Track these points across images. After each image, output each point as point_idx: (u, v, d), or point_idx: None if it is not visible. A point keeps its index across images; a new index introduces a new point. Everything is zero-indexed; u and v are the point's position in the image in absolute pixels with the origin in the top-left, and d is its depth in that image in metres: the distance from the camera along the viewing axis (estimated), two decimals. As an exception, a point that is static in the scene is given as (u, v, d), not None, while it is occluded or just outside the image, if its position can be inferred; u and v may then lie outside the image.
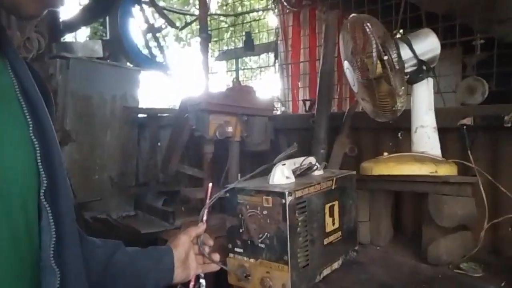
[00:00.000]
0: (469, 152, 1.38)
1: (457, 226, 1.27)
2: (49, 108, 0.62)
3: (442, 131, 1.45)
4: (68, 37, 4.08)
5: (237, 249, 1.09)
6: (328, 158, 1.75)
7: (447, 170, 1.32)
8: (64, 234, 0.58)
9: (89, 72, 2.52)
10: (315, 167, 1.25)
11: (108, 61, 2.84)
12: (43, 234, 0.56)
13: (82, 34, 6.33)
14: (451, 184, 1.26)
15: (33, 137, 0.56)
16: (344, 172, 1.31)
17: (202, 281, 0.98)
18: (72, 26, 3.57)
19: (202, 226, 0.96)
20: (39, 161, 0.56)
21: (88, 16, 3.55)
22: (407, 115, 1.44)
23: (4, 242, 0.52)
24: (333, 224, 1.19)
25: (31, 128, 0.56)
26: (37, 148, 0.56)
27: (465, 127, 1.44)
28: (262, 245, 1.03)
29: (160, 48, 3.40)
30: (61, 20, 3.23)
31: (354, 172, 1.36)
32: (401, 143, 1.66)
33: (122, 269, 0.81)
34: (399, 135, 1.70)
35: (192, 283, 0.97)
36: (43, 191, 0.56)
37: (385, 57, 1.38)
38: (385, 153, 1.49)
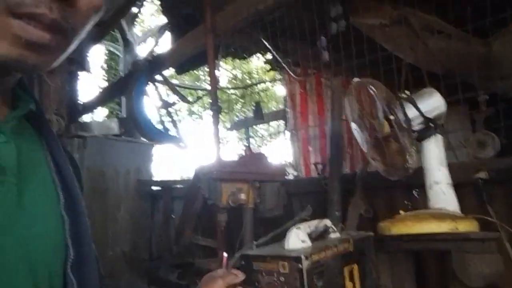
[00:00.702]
0: (488, 206, 1.35)
1: (485, 285, 1.19)
2: (79, 183, 0.65)
3: (458, 187, 1.43)
4: (86, 117, 4.30)
5: (255, 321, 1.03)
6: (344, 220, 1.71)
7: (468, 226, 1.27)
8: None
9: (104, 148, 2.62)
10: (330, 229, 1.22)
11: (123, 137, 2.95)
12: None
13: (99, 114, 6.66)
14: (474, 240, 1.21)
15: (63, 212, 0.57)
16: (361, 233, 1.27)
17: None
18: (90, 107, 3.78)
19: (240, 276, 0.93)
20: (67, 234, 0.57)
21: (105, 97, 3.77)
22: (420, 172, 1.44)
23: None
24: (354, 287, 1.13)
25: (62, 203, 0.58)
26: (67, 223, 0.57)
27: (481, 180, 1.42)
28: (281, 315, 0.98)
29: (173, 122, 3.54)
30: (80, 102, 3.43)
31: (372, 234, 1.32)
32: (417, 201, 1.63)
33: None
34: (414, 193, 1.67)
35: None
36: (70, 264, 0.56)
37: (392, 117, 1.41)
38: (402, 212, 1.46)
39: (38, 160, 0.59)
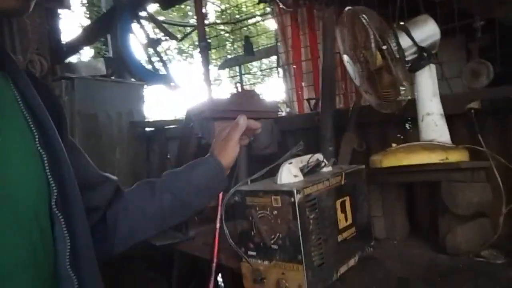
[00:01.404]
0: (479, 136, 1.35)
1: (474, 213, 1.24)
2: (60, 118, 0.63)
3: (450, 118, 1.43)
4: (73, 59, 4.15)
5: (250, 253, 1.08)
6: (337, 155, 1.73)
7: (458, 156, 1.29)
8: (78, 242, 0.59)
9: (94, 90, 2.55)
10: (323, 164, 1.24)
11: (112, 78, 2.87)
12: (58, 243, 0.57)
13: (86, 55, 6.44)
14: (464, 170, 1.23)
15: (39, 148, 0.56)
16: (353, 167, 1.29)
17: (220, 280, 0.98)
18: (75, 47, 3.63)
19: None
20: (47, 171, 0.56)
21: (90, 36, 3.61)
22: (413, 105, 1.42)
23: (21, 252, 0.52)
24: (346, 220, 1.18)
25: (37, 140, 0.57)
26: (45, 159, 0.56)
27: (472, 111, 1.41)
28: (275, 246, 1.02)
29: (162, 61, 3.43)
30: (64, 42, 3.29)
31: (363, 166, 1.34)
32: (410, 134, 1.64)
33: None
34: (407, 126, 1.68)
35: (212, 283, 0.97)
36: (54, 200, 0.56)
37: (384, 47, 1.36)
38: (394, 145, 1.47)
39: (4, 97, 0.57)
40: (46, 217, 0.56)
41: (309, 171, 1.18)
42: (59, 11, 3.02)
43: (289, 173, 1.09)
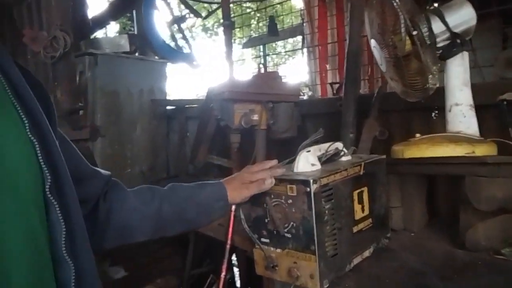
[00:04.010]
0: (510, 130, 1.29)
1: (497, 209, 1.19)
2: (48, 109, 0.63)
3: (480, 109, 1.36)
4: (99, 34, 4.18)
5: (263, 239, 1.07)
6: (358, 142, 1.69)
7: (485, 150, 1.23)
8: (73, 227, 0.59)
9: (116, 67, 2.57)
10: (342, 153, 1.20)
11: (135, 55, 2.87)
12: (53, 228, 0.57)
13: (112, 30, 6.47)
14: (489, 165, 1.18)
15: (30, 135, 0.57)
16: (373, 157, 1.25)
17: (235, 270, 0.98)
18: (100, 22, 3.64)
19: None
20: (40, 158, 0.57)
21: (115, 11, 3.61)
22: (441, 93, 1.36)
23: (22, 237, 0.53)
24: (363, 211, 1.15)
25: (27, 127, 0.57)
26: (37, 146, 0.57)
27: (505, 102, 1.34)
28: (288, 235, 1.01)
29: (186, 39, 3.41)
30: (90, 17, 3.30)
31: (384, 157, 1.30)
32: (435, 124, 1.57)
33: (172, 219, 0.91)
34: (432, 115, 1.61)
35: (223, 273, 0.98)
36: (48, 186, 0.57)
37: (414, 32, 1.30)
38: (418, 135, 1.42)
39: None
40: (41, 202, 0.57)
41: (328, 160, 1.15)
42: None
43: (307, 162, 1.06)
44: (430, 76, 1.31)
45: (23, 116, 0.57)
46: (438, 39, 1.33)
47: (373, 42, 1.45)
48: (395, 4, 1.29)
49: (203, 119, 2.12)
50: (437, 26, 1.32)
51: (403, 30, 1.30)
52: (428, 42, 1.29)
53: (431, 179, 1.52)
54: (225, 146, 2.13)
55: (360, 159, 1.20)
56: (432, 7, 1.47)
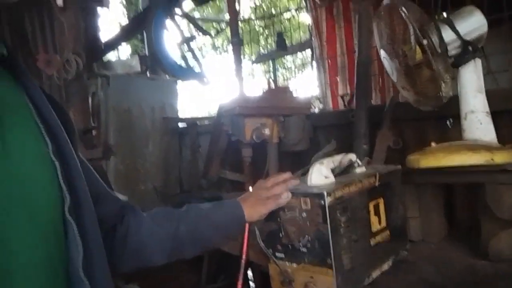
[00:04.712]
0: (528, 135, 1.25)
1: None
2: (70, 132, 0.64)
3: (496, 115, 1.32)
4: (112, 56, 4.27)
5: (278, 254, 1.05)
6: (371, 153, 1.67)
7: (505, 157, 1.19)
8: (91, 248, 0.59)
9: (128, 87, 2.61)
10: (356, 164, 1.19)
11: (147, 74, 2.92)
12: (71, 248, 0.57)
13: (124, 51, 6.61)
14: (510, 172, 1.14)
15: (52, 156, 0.57)
16: (388, 168, 1.23)
17: (251, 284, 0.97)
18: (112, 44, 3.73)
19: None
20: (60, 178, 0.57)
21: (126, 34, 3.69)
22: (455, 101, 1.34)
23: (37, 255, 0.53)
24: (380, 223, 1.12)
25: (50, 148, 0.57)
26: (58, 166, 0.58)
27: (521, 108, 1.31)
28: (304, 249, 0.99)
29: (196, 57, 3.45)
30: (102, 41, 3.37)
31: (399, 167, 1.27)
32: (450, 132, 1.54)
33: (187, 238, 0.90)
34: (447, 123, 1.58)
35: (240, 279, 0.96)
36: (68, 206, 0.57)
37: (425, 42, 1.28)
38: (433, 144, 1.39)
39: (17, 106, 0.58)
40: (60, 222, 0.57)
41: (341, 172, 1.13)
42: (98, 9, 3.10)
43: (320, 174, 1.05)
44: (443, 84, 1.29)
45: (46, 138, 0.58)
46: (449, 47, 1.31)
47: (382, 53, 1.45)
48: (403, 14, 1.28)
49: (214, 134, 2.13)
50: (448, 35, 1.31)
51: (412, 39, 1.29)
52: (439, 51, 1.28)
53: (449, 188, 1.49)
54: (237, 161, 2.12)
55: (375, 170, 1.18)
56: (441, 16, 1.46)
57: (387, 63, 1.43)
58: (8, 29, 2.02)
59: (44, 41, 2.09)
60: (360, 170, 1.19)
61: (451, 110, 1.36)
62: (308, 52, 4.26)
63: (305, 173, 1.08)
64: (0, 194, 0.49)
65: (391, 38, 1.40)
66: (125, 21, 7.00)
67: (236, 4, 2.59)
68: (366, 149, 1.68)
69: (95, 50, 3.07)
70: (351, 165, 1.17)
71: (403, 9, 1.27)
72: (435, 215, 1.39)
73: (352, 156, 1.18)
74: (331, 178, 1.06)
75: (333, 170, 1.09)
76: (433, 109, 1.38)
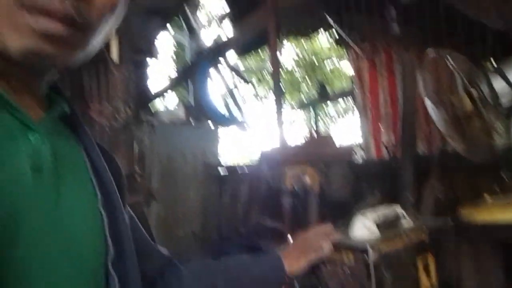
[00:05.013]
0: None
1: None
2: (120, 185, 0.66)
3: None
4: (159, 104, 4.50)
5: (318, 312, 0.98)
6: (418, 205, 1.58)
7: None
8: None
9: (172, 134, 2.71)
10: (402, 216, 1.12)
11: (191, 122, 3.03)
12: None
13: (169, 100, 6.96)
14: None
15: (100, 207, 0.58)
16: (438, 221, 1.16)
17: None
18: (159, 93, 3.94)
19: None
20: (106, 230, 0.58)
21: (173, 85, 3.92)
22: (510, 151, 1.26)
23: None
24: (430, 282, 1.03)
25: (99, 200, 0.59)
26: (104, 218, 0.58)
27: None
28: (347, 308, 0.92)
29: (238, 105, 3.55)
30: (152, 92, 3.58)
31: (451, 221, 1.19)
32: (507, 184, 1.44)
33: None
34: (503, 175, 1.48)
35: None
36: (111, 259, 0.57)
37: (474, 92, 1.24)
38: (487, 196, 1.30)
39: (74, 159, 0.60)
40: (101, 276, 0.57)
41: (386, 224, 1.07)
42: (148, 60, 3.31)
43: (363, 226, 1.00)
44: (496, 134, 1.23)
45: (97, 191, 0.59)
46: (501, 97, 1.26)
47: (428, 102, 1.41)
48: (449, 65, 1.26)
49: (254, 182, 2.12)
50: (499, 85, 1.26)
51: (460, 90, 1.26)
52: (490, 101, 1.23)
53: (509, 248, 1.36)
54: (277, 209, 2.09)
55: (423, 224, 1.11)
56: (490, 65, 1.42)
57: (434, 113, 1.39)
58: (68, 80, 2.21)
59: (98, 93, 2.25)
60: (406, 223, 1.13)
61: (507, 160, 1.28)
62: (350, 98, 4.26)
63: (347, 225, 1.03)
64: (47, 242, 0.50)
65: (436, 87, 1.37)
66: (171, 69, 7.44)
67: (278, 54, 2.68)
68: (412, 201, 1.60)
69: (143, 99, 3.25)
70: (396, 218, 1.11)
71: (449, 59, 1.25)
72: (493, 276, 1.27)
73: (398, 208, 1.12)
74: (375, 231, 1.01)
75: (376, 223, 1.04)
76: (485, 160, 1.31)
